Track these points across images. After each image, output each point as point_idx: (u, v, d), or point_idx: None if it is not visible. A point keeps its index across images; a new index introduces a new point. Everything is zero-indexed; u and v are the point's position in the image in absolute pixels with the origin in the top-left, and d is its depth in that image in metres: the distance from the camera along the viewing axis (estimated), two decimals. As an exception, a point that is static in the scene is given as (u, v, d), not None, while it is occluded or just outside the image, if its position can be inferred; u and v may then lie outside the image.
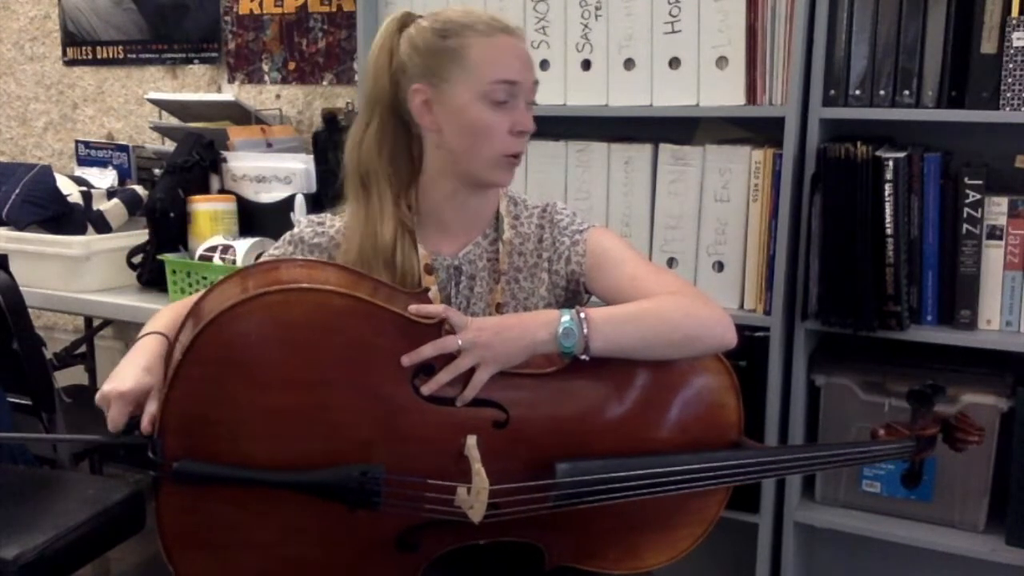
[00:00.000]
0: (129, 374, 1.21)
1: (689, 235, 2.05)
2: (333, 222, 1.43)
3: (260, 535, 1.19)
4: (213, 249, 2.27)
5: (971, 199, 1.84)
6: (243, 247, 2.24)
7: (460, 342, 1.20)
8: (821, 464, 1.55)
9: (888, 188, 1.83)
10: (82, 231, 2.47)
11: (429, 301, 1.27)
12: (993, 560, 1.90)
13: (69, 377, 2.96)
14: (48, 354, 2.28)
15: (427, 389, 1.20)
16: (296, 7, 2.84)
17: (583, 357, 1.25)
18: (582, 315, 1.25)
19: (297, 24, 2.85)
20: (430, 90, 1.34)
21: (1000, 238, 1.85)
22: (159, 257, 2.36)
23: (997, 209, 1.84)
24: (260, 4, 2.89)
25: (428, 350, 1.19)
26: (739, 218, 2.01)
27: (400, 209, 1.38)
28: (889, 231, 1.84)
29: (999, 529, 1.92)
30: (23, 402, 2.11)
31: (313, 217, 1.45)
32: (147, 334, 1.30)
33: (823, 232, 1.89)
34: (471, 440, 1.20)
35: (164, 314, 1.35)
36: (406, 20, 1.39)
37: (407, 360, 1.19)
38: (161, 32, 3.07)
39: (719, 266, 2.03)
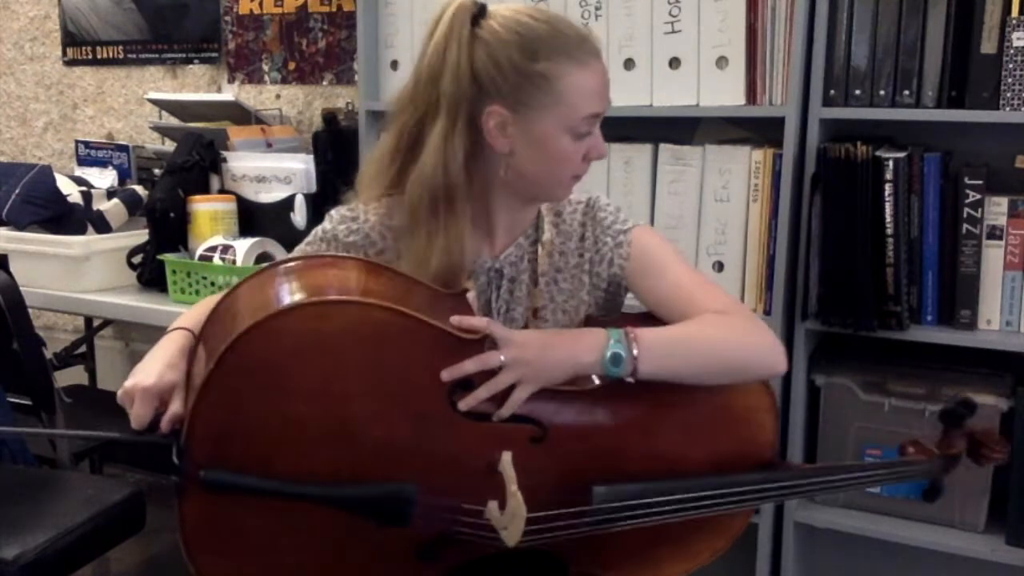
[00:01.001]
0: (152, 369, 1.17)
1: (689, 235, 2.05)
2: (367, 216, 1.35)
3: (283, 542, 1.17)
4: (213, 249, 2.27)
5: (971, 199, 1.84)
6: (243, 247, 2.24)
7: (503, 358, 1.16)
8: (852, 483, 1.51)
9: (888, 188, 1.84)
10: (82, 231, 2.47)
11: (468, 304, 1.23)
12: (993, 560, 1.90)
13: (69, 377, 2.96)
14: (48, 354, 2.28)
15: (465, 405, 1.16)
16: (296, 7, 2.84)
17: (628, 380, 1.21)
18: (631, 336, 1.20)
19: (297, 24, 2.85)
20: (509, 114, 1.24)
21: (1000, 238, 1.85)
22: (159, 257, 2.36)
23: (997, 209, 1.84)
24: (260, 4, 2.89)
25: (470, 366, 1.15)
26: (739, 218, 2.01)
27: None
28: (889, 231, 1.84)
29: (999, 529, 1.92)
30: (23, 402, 2.11)
31: (344, 211, 1.36)
32: (173, 329, 1.26)
33: (823, 232, 1.89)
34: (506, 457, 1.15)
35: (195, 310, 1.31)
36: (477, 13, 1.25)
37: (447, 375, 1.14)
38: (161, 32, 3.07)
39: (719, 266, 2.03)
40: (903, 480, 1.52)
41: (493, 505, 1.16)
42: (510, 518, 1.14)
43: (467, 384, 1.16)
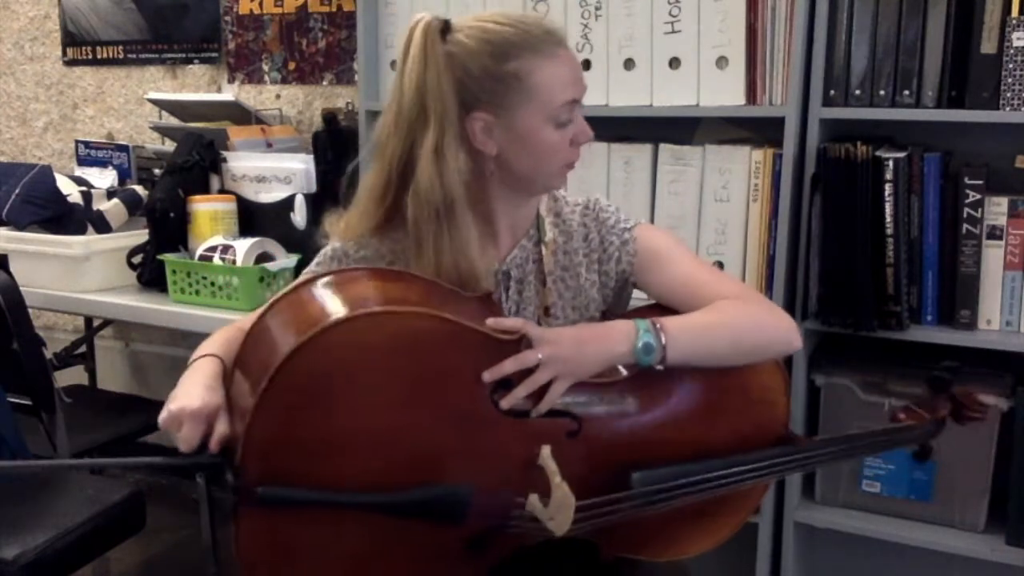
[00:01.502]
0: (194, 393, 1.17)
1: (689, 235, 2.05)
2: (372, 234, 1.38)
3: (340, 551, 1.19)
4: (213, 249, 2.27)
5: (971, 199, 1.84)
6: (243, 247, 2.24)
7: (540, 356, 1.20)
8: (859, 451, 1.61)
9: (888, 188, 1.84)
10: (82, 231, 2.47)
11: (495, 304, 1.27)
12: (993, 560, 1.90)
13: (69, 377, 2.96)
14: (48, 354, 2.27)
15: (506, 403, 1.20)
16: (296, 7, 2.84)
17: (657, 367, 1.26)
18: (658, 326, 1.26)
19: (297, 24, 2.85)
20: (492, 118, 1.28)
21: (1000, 238, 1.85)
22: (159, 257, 2.36)
23: (997, 209, 1.84)
24: (260, 4, 2.89)
25: (510, 365, 1.19)
26: (739, 218, 2.01)
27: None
28: (889, 231, 1.84)
29: (999, 529, 1.92)
30: (23, 402, 2.11)
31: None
32: (201, 356, 1.26)
33: (823, 232, 1.89)
34: (546, 451, 1.20)
35: (216, 339, 1.31)
36: (443, 29, 1.28)
37: (488, 376, 1.18)
38: (161, 32, 3.07)
39: (719, 266, 2.03)
40: (901, 445, 1.60)
41: (534, 498, 1.20)
42: (557, 508, 1.18)
43: (505, 384, 1.20)
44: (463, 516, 1.18)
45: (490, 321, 1.21)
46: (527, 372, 1.20)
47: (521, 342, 1.21)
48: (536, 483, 1.20)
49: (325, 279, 1.25)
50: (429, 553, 1.23)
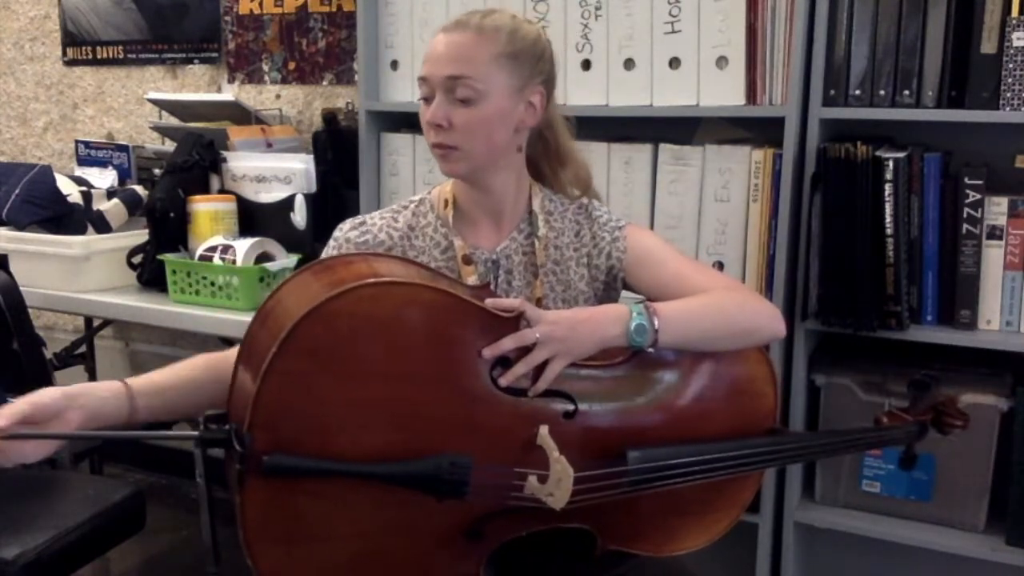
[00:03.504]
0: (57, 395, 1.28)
1: (689, 235, 2.06)
2: (374, 220, 1.46)
3: (342, 527, 1.20)
4: (213, 249, 2.27)
5: (971, 199, 1.84)
6: (243, 247, 2.24)
7: (537, 335, 1.23)
8: (845, 447, 1.67)
9: (888, 188, 1.84)
10: (82, 231, 2.47)
11: (493, 295, 1.30)
12: (993, 560, 1.90)
13: (69, 377, 2.95)
14: (48, 354, 2.28)
15: (504, 380, 1.23)
16: (296, 7, 2.84)
17: (649, 349, 1.30)
18: (650, 309, 1.30)
19: (297, 24, 2.85)
20: None
21: (1000, 238, 1.85)
22: (159, 257, 2.36)
23: (997, 209, 1.84)
24: (260, 4, 2.89)
25: (509, 343, 1.22)
26: (739, 218, 2.01)
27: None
28: (889, 231, 1.84)
29: (999, 529, 1.92)
30: (23, 402, 2.10)
31: (354, 220, 1.48)
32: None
33: (823, 232, 1.89)
34: (543, 430, 1.22)
35: (190, 362, 1.34)
36: None
37: (489, 352, 1.21)
38: (161, 32, 3.07)
39: (719, 266, 2.04)
40: (887, 444, 1.67)
41: (532, 479, 1.22)
42: (556, 483, 1.20)
43: (504, 362, 1.23)
44: (464, 487, 1.19)
45: (489, 301, 1.24)
46: (525, 351, 1.23)
47: (519, 321, 1.24)
48: (534, 463, 1.22)
49: (329, 261, 1.31)
50: (433, 536, 1.24)
